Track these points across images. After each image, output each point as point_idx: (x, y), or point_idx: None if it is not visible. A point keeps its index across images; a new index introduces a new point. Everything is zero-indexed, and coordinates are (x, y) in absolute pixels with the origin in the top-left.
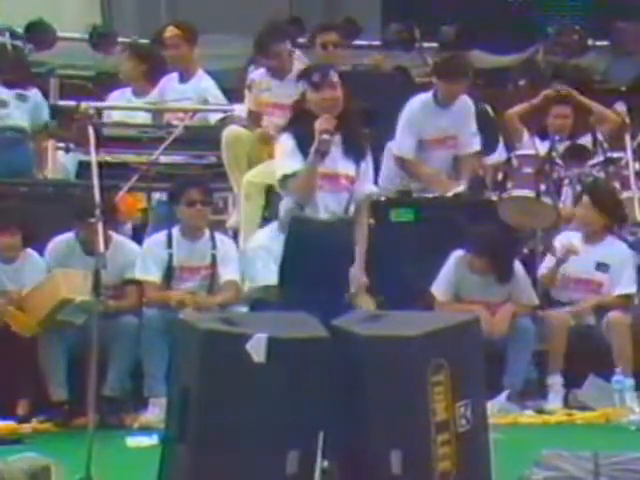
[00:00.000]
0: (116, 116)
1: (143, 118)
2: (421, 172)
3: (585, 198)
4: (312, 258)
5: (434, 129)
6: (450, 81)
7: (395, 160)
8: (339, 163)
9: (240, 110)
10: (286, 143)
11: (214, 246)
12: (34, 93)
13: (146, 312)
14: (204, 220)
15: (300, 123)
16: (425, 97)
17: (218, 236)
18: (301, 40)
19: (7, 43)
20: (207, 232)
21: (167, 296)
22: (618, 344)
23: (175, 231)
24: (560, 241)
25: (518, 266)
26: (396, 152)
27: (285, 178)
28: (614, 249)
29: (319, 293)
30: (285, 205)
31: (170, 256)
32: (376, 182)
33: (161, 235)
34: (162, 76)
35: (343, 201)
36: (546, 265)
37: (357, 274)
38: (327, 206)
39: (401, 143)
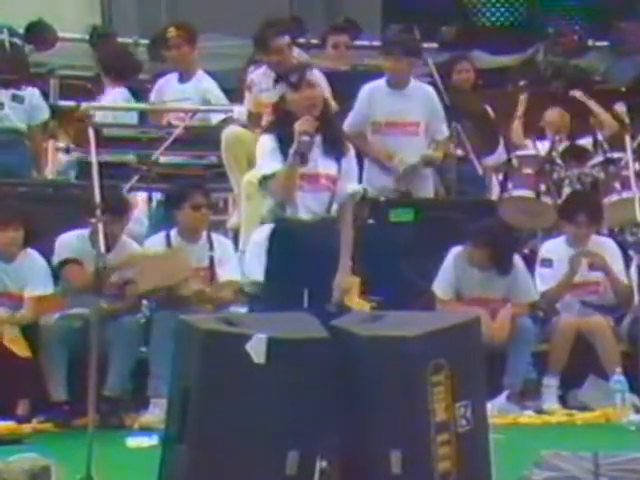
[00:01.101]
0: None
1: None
2: (369, 148)
3: (583, 216)
4: (296, 259)
5: (387, 110)
6: (390, 57)
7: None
8: (319, 163)
9: (239, 112)
10: (266, 144)
11: (211, 247)
12: (30, 92)
13: (156, 313)
14: (206, 224)
15: (281, 125)
16: (378, 81)
17: (215, 237)
18: (301, 40)
19: (5, 41)
20: (204, 234)
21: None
22: (603, 348)
23: (173, 233)
24: (548, 250)
25: (518, 259)
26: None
27: (265, 179)
28: (600, 245)
29: (303, 295)
30: (267, 206)
31: None
32: (361, 181)
33: (159, 237)
34: (129, 72)
35: (324, 201)
36: (544, 282)
37: (342, 277)
38: (308, 207)
39: (347, 120)
